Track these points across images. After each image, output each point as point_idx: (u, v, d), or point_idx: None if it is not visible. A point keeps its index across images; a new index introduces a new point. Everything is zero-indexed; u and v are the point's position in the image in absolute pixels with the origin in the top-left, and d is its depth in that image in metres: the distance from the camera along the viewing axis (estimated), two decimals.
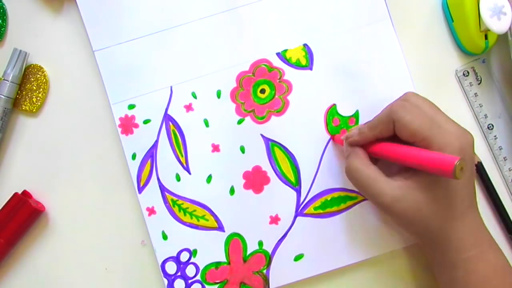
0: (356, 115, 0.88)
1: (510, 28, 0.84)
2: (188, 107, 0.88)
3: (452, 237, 0.74)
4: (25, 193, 0.88)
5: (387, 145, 0.78)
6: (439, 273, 0.80)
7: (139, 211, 0.88)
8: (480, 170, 0.90)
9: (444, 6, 0.91)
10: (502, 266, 0.76)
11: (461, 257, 0.74)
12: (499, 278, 0.74)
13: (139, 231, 0.88)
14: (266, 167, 0.88)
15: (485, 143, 0.91)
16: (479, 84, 0.91)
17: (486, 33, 0.88)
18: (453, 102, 0.91)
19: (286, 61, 0.88)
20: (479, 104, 0.91)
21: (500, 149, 0.91)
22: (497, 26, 0.83)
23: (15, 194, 0.87)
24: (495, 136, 0.91)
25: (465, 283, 0.74)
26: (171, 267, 0.87)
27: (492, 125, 0.91)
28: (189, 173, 0.87)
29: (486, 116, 0.91)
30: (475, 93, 0.91)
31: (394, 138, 0.77)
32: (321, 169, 0.88)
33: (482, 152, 0.91)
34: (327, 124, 0.88)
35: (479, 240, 0.75)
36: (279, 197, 0.87)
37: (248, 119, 0.88)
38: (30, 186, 0.89)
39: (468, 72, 0.90)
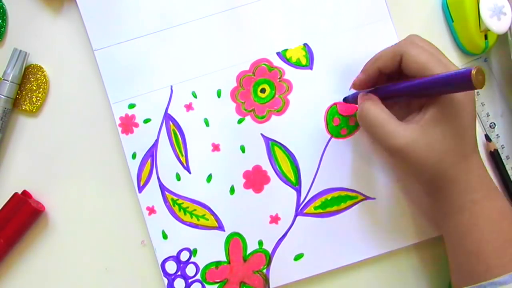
0: (356, 115, 0.88)
1: (510, 28, 0.84)
2: (188, 107, 0.88)
3: (461, 177, 0.74)
4: (25, 193, 0.88)
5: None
6: (444, 221, 0.79)
7: (139, 210, 0.88)
8: (495, 157, 0.90)
9: (444, 6, 0.91)
10: (508, 210, 0.75)
11: (468, 198, 0.74)
12: (505, 221, 0.74)
13: (139, 230, 0.88)
14: (266, 166, 0.88)
15: None
16: None
17: (486, 33, 0.88)
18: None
19: (287, 61, 0.88)
20: (481, 103, 0.91)
21: (503, 147, 0.91)
22: (497, 26, 0.83)
23: (15, 194, 0.86)
24: (497, 134, 0.91)
25: (471, 225, 0.74)
26: (171, 267, 0.87)
27: (494, 124, 0.91)
28: (189, 172, 0.87)
29: (488, 114, 0.91)
30: (477, 92, 0.91)
31: (395, 76, 0.79)
32: (321, 169, 0.88)
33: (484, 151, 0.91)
34: (327, 124, 0.88)
35: (485, 184, 0.75)
36: (279, 196, 0.87)
37: (248, 118, 0.88)
38: (30, 186, 0.89)
39: None
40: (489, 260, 0.72)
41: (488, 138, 0.90)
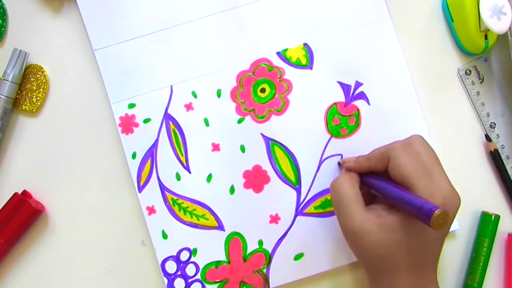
0: (356, 115, 0.88)
1: (510, 28, 0.84)
2: (188, 106, 0.88)
3: (407, 285, 0.73)
4: (25, 193, 0.88)
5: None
6: None
7: (139, 210, 0.88)
8: (495, 157, 0.90)
9: (444, 6, 0.91)
10: None
11: None
12: None
13: (139, 230, 0.88)
14: (266, 166, 0.88)
15: None
16: (481, 82, 0.91)
17: (486, 33, 0.88)
18: (455, 101, 0.91)
19: (286, 61, 0.88)
20: (481, 103, 0.91)
21: (503, 147, 0.91)
22: (497, 26, 0.83)
23: (15, 194, 0.86)
24: (497, 134, 0.91)
25: None
26: (171, 266, 0.87)
27: (495, 124, 0.91)
28: (189, 172, 0.88)
29: (488, 114, 0.91)
30: (477, 92, 0.91)
31: (388, 176, 0.77)
32: (321, 169, 0.88)
33: (484, 151, 0.91)
34: (327, 123, 0.88)
35: None
36: (279, 196, 0.88)
37: (248, 118, 0.88)
38: (30, 186, 0.89)
39: (470, 71, 0.91)
40: None
41: (488, 138, 0.90)
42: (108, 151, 0.89)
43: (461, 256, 0.91)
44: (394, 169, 0.74)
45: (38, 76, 0.89)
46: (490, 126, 0.91)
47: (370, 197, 0.81)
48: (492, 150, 0.89)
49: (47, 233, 0.89)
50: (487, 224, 0.88)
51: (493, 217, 0.88)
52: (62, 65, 0.90)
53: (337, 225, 0.84)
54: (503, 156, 0.90)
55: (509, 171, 0.90)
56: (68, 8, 0.90)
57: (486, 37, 0.88)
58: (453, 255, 0.91)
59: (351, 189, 0.77)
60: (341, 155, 0.88)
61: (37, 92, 0.89)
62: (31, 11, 0.90)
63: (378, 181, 0.78)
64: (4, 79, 0.86)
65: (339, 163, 0.88)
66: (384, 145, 0.79)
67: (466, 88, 0.91)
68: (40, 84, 0.89)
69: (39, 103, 0.89)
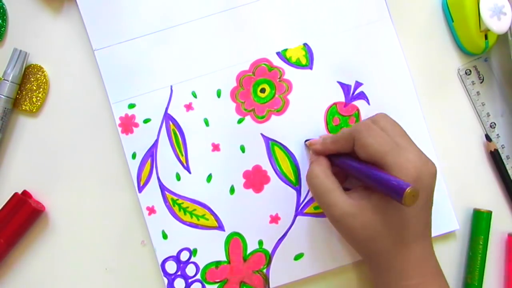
0: (356, 115, 0.88)
1: (510, 28, 0.84)
2: (188, 107, 0.88)
3: (397, 262, 0.74)
4: (25, 193, 0.88)
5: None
6: None
7: (139, 210, 0.88)
8: (495, 157, 0.90)
9: (444, 6, 0.91)
10: None
11: (402, 283, 0.74)
12: None
13: (139, 230, 0.88)
14: (266, 166, 0.88)
15: None
16: (481, 82, 0.91)
17: (486, 33, 0.88)
18: (455, 101, 0.91)
19: (286, 61, 0.88)
20: (482, 103, 0.91)
21: (503, 147, 0.91)
22: (497, 26, 0.83)
23: (15, 194, 0.86)
24: (497, 134, 0.91)
25: None
26: (171, 267, 0.87)
27: (495, 124, 0.91)
28: (189, 172, 0.88)
29: (488, 114, 0.91)
30: (477, 92, 0.91)
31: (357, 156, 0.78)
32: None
33: (485, 151, 0.91)
34: (327, 124, 0.88)
35: (424, 270, 0.75)
36: (279, 196, 0.88)
37: (248, 118, 0.88)
38: (30, 186, 0.89)
39: (470, 71, 0.91)
40: None
41: (488, 138, 0.90)
42: (108, 151, 0.89)
43: (461, 256, 0.91)
44: (360, 149, 0.75)
45: (38, 76, 0.89)
46: (490, 126, 0.91)
47: (342, 175, 0.82)
48: (492, 150, 0.89)
49: (47, 233, 0.89)
50: (480, 221, 0.88)
51: (485, 214, 0.88)
52: (62, 65, 0.90)
53: None
54: (503, 156, 0.90)
55: (509, 171, 0.90)
56: (68, 8, 0.90)
57: (486, 37, 0.88)
58: (454, 255, 0.91)
59: (326, 178, 0.77)
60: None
61: (37, 92, 0.89)
62: (31, 11, 0.90)
63: (348, 162, 0.78)
64: (4, 79, 0.86)
65: (305, 144, 0.88)
66: (346, 128, 0.81)
67: (466, 88, 0.91)
68: (40, 84, 0.89)
69: (39, 103, 0.89)
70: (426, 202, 0.74)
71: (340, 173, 0.81)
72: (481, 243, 0.88)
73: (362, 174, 0.74)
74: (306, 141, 0.88)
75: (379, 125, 0.76)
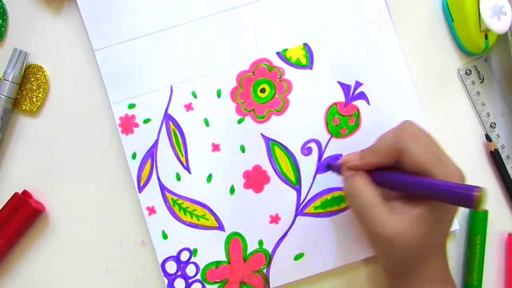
0: (356, 115, 0.88)
1: (510, 28, 0.84)
2: (188, 107, 0.88)
3: (425, 270, 0.74)
4: (25, 193, 0.88)
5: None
6: None
7: (139, 210, 0.88)
8: (496, 157, 0.90)
9: (444, 6, 0.91)
10: None
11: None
12: None
13: (139, 230, 0.88)
14: (266, 166, 0.88)
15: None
16: (481, 82, 0.91)
17: (486, 33, 0.88)
18: (455, 101, 0.91)
19: (286, 61, 0.88)
20: (482, 103, 0.91)
21: (503, 147, 0.91)
22: (497, 26, 0.83)
23: (15, 194, 0.86)
24: (497, 134, 0.91)
25: None
26: (171, 267, 0.87)
27: (495, 124, 0.91)
28: (189, 172, 0.88)
29: (488, 114, 0.91)
30: (478, 92, 0.91)
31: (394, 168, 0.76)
32: (321, 168, 0.88)
33: (485, 151, 0.92)
34: (327, 124, 0.88)
35: (442, 278, 0.75)
36: (279, 196, 0.88)
37: (248, 118, 0.88)
38: (30, 186, 0.89)
39: (470, 71, 0.91)
40: None
41: (488, 138, 0.90)
42: (108, 152, 0.89)
43: (460, 256, 0.91)
44: (408, 160, 0.73)
45: (38, 76, 0.89)
46: (490, 126, 0.91)
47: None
48: (492, 150, 0.90)
49: (47, 233, 0.89)
50: (476, 221, 0.89)
51: (481, 214, 0.88)
52: (62, 65, 0.90)
53: (337, 225, 0.86)
54: (503, 156, 0.90)
55: (509, 171, 0.90)
56: (68, 8, 0.90)
57: (486, 37, 0.88)
58: (453, 255, 0.91)
59: (370, 192, 0.74)
60: (342, 154, 0.88)
61: (37, 92, 0.89)
62: (31, 11, 0.90)
63: (394, 175, 0.75)
64: (4, 79, 0.86)
65: (328, 166, 0.87)
66: (382, 139, 0.77)
67: (466, 88, 0.91)
68: (40, 84, 0.89)
69: (39, 103, 0.89)
70: (454, 216, 0.75)
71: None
72: (478, 243, 0.88)
73: (418, 184, 0.71)
74: (327, 165, 0.88)
75: (418, 135, 0.75)
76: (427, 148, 0.73)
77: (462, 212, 0.90)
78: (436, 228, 0.72)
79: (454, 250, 0.91)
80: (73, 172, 0.89)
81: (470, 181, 0.89)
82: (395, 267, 0.77)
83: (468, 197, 0.63)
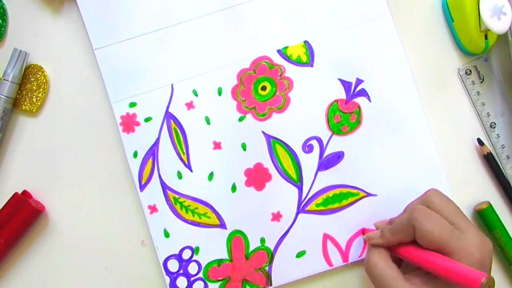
0: (357, 112, 0.88)
1: (510, 28, 0.85)
2: (189, 105, 0.88)
3: None
4: (25, 193, 0.88)
5: (411, 250, 0.77)
6: None
7: (139, 210, 0.88)
8: (490, 160, 0.90)
9: (444, 6, 0.91)
10: None
11: None
12: None
13: (140, 230, 0.88)
14: (268, 164, 0.88)
15: (487, 141, 0.91)
16: (481, 82, 0.91)
17: (486, 33, 0.88)
18: (455, 101, 0.91)
19: (287, 58, 0.89)
20: (482, 103, 0.91)
21: (503, 147, 0.91)
22: (497, 26, 0.83)
23: (15, 194, 0.86)
24: (497, 134, 0.91)
25: None
26: (173, 265, 0.86)
27: (495, 124, 0.91)
28: (191, 170, 0.88)
29: (488, 114, 0.91)
30: (478, 92, 0.91)
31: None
32: (322, 166, 0.88)
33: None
34: (328, 121, 0.88)
35: None
36: (280, 194, 0.87)
37: (249, 116, 0.88)
38: (30, 186, 0.89)
39: (470, 71, 0.91)
40: None
41: (480, 142, 0.90)
42: (109, 150, 0.89)
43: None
44: (421, 238, 0.74)
45: (38, 76, 0.89)
46: (490, 126, 0.91)
47: (398, 259, 0.81)
48: (485, 153, 0.89)
49: (47, 233, 0.89)
50: (486, 217, 0.89)
51: (486, 209, 0.88)
52: (62, 65, 0.90)
53: (339, 222, 0.85)
54: (503, 156, 0.90)
55: (509, 171, 0.90)
56: (68, 8, 0.90)
57: (486, 37, 0.88)
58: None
59: (387, 266, 0.77)
60: (343, 151, 0.88)
61: (37, 92, 0.89)
62: (31, 11, 0.90)
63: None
64: (4, 79, 0.86)
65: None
66: (402, 215, 0.79)
67: (466, 88, 0.91)
68: (40, 84, 0.89)
69: (39, 103, 0.89)
70: None
71: (397, 258, 0.80)
72: (501, 235, 0.88)
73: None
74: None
75: (434, 207, 0.76)
76: (442, 222, 0.74)
77: (466, 212, 0.89)
78: None
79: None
80: (73, 172, 0.89)
81: (470, 181, 0.90)
82: None
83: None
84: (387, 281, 0.75)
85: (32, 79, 0.89)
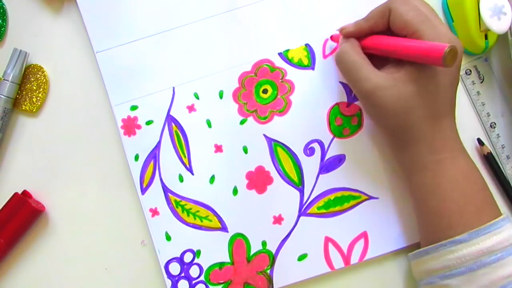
0: (358, 115, 0.88)
1: (510, 28, 0.85)
2: (191, 108, 0.88)
3: (428, 136, 0.76)
4: (25, 193, 0.88)
5: (379, 37, 0.80)
6: (408, 179, 0.81)
7: (139, 210, 0.88)
8: (490, 160, 0.90)
9: (444, 6, 0.91)
10: (472, 171, 0.77)
11: (433, 158, 0.76)
12: (468, 182, 0.76)
13: (140, 231, 0.88)
14: (269, 167, 0.88)
15: (487, 141, 0.92)
16: (481, 82, 0.91)
17: (486, 33, 0.88)
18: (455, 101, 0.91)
19: (288, 61, 0.89)
20: (482, 103, 0.91)
21: (503, 147, 0.91)
22: (497, 26, 0.83)
23: (15, 194, 0.86)
24: (497, 134, 0.91)
25: (434, 186, 0.76)
26: (175, 268, 0.86)
27: (495, 124, 0.91)
28: (192, 173, 0.88)
29: (488, 114, 0.91)
30: (478, 92, 0.91)
31: (388, 34, 0.79)
32: (324, 169, 0.88)
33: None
34: (329, 124, 0.88)
35: (452, 145, 0.77)
36: (282, 197, 0.88)
37: (250, 119, 0.88)
38: (30, 186, 0.89)
39: (470, 71, 0.91)
40: (451, 218, 0.74)
41: (480, 142, 0.90)
42: (109, 153, 0.89)
43: None
44: (396, 19, 0.77)
45: (38, 76, 0.89)
46: (490, 126, 0.91)
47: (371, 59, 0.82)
48: (485, 153, 0.90)
49: (47, 233, 0.89)
50: None
51: None
52: (62, 65, 0.90)
53: (341, 226, 0.85)
54: (503, 156, 0.91)
55: (509, 171, 0.91)
56: (68, 8, 0.90)
57: (486, 37, 0.88)
58: None
59: (356, 53, 0.79)
60: (344, 154, 0.88)
61: (37, 92, 0.88)
62: (31, 11, 0.90)
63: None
64: (4, 79, 0.86)
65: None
66: (377, 6, 0.81)
67: (466, 88, 0.91)
68: (40, 84, 0.89)
69: (39, 103, 0.89)
70: (455, 78, 0.76)
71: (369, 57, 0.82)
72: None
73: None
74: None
75: (411, 1, 0.77)
76: (417, 9, 0.76)
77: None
78: (426, 87, 0.74)
79: None
80: (73, 172, 0.89)
81: None
82: (391, 135, 0.81)
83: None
84: (357, 68, 0.78)
85: (32, 79, 0.89)
